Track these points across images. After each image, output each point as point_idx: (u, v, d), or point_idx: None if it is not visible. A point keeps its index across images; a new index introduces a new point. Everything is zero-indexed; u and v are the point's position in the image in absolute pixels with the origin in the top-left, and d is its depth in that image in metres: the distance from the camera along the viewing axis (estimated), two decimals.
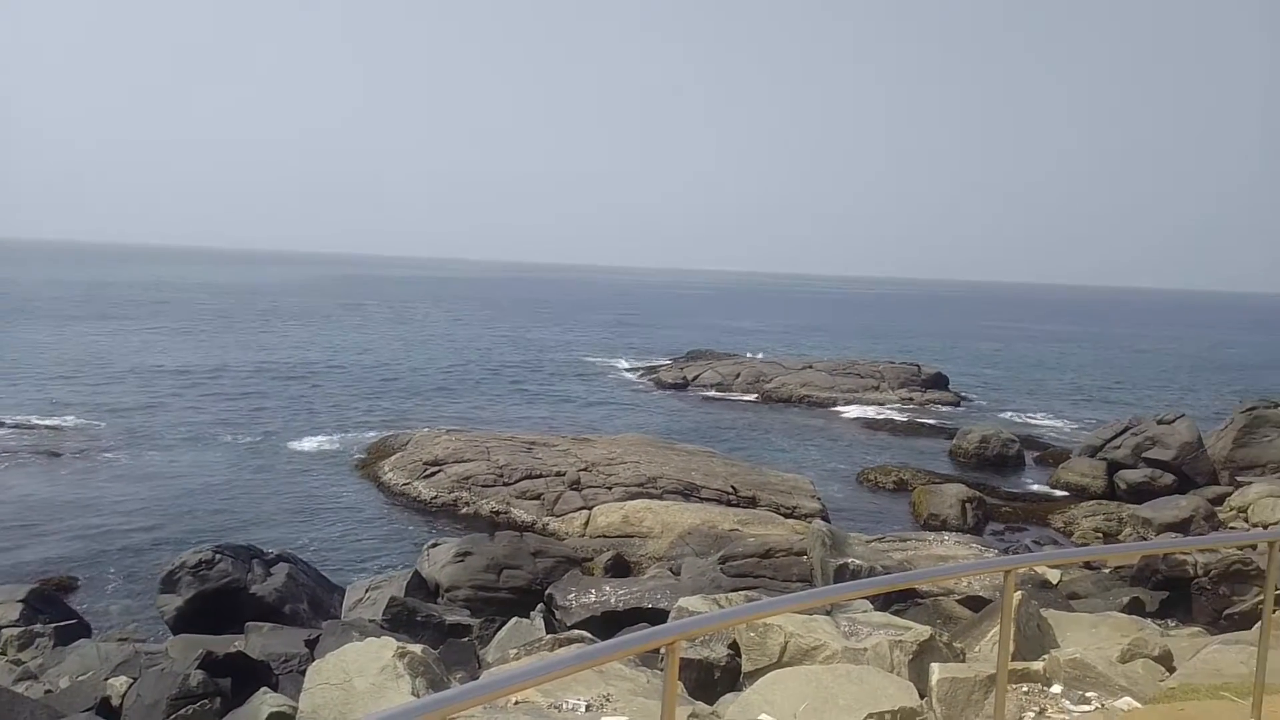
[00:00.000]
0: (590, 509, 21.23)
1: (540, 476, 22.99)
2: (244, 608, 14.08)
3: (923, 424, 38.03)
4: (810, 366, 48.52)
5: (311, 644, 11.86)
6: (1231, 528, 22.28)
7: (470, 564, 15.91)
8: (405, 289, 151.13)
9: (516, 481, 22.92)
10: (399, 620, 13.03)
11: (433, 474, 23.97)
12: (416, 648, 8.57)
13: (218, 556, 14.71)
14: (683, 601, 11.01)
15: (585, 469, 23.24)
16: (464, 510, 22.42)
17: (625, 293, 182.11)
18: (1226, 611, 13.60)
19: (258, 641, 12.05)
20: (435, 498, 23.00)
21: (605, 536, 19.86)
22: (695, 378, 47.00)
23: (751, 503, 22.20)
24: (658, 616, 13.25)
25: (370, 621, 12.83)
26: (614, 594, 14.62)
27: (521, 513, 21.71)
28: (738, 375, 46.47)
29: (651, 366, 53.91)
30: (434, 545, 17.00)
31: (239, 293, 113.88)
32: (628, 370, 53.14)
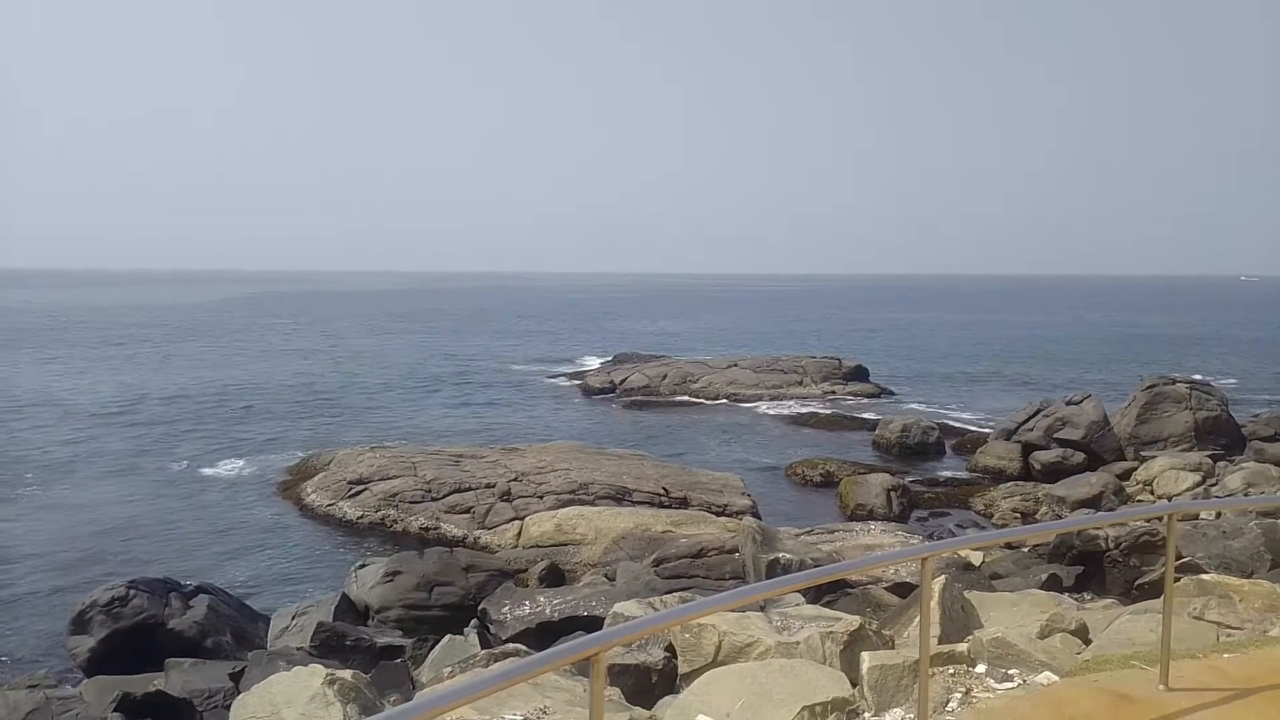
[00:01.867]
0: (522, 519, 21.05)
1: (469, 489, 22.70)
2: (162, 644, 13.55)
3: (846, 416, 38.78)
4: (735, 365, 49.05)
5: (236, 677, 11.50)
6: (1139, 501, 23.36)
7: (400, 583, 15.62)
8: (321, 304, 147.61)
9: (445, 496, 22.58)
10: (328, 646, 12.72)
11: (358, 493, 23.44)
12: (347, 673, 8.39)
13: (132, 592, 14.12)
14: (617, 607, 11.01)
15: (515, 479, 23.04)
16: (392, 528, 21.98)
17: (547, 299, 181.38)
18: (1137, 582, 14.21)
19: (178, 678, 11.62)
20: (361, 517, 22.50)
21: (539, 546, 19.71)
22: (622, 381, 47.05)
23: (683, 503, 22.31)
24: (593, 624, 13.22)
25: (298, 649, 12.50)
26: (549, 604, 14.53)
27: (451, 527, 21.40)
28: (664, 377, 46.72)
29: (578, 372, 53.80)
30: (362, 566, 16.63)
31: (139, 316, 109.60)
32: (554, 377, 52.91)
